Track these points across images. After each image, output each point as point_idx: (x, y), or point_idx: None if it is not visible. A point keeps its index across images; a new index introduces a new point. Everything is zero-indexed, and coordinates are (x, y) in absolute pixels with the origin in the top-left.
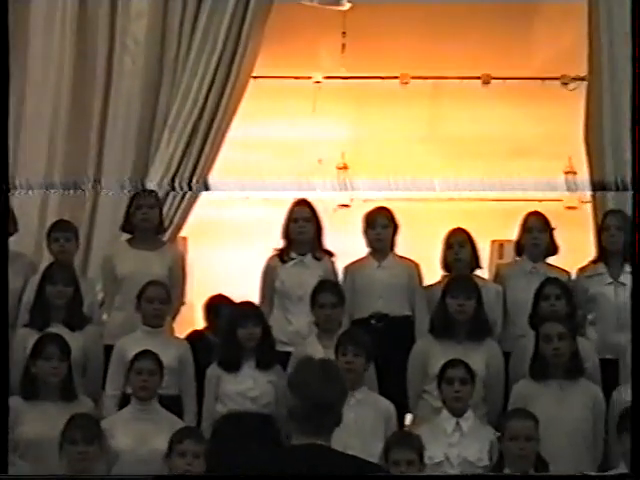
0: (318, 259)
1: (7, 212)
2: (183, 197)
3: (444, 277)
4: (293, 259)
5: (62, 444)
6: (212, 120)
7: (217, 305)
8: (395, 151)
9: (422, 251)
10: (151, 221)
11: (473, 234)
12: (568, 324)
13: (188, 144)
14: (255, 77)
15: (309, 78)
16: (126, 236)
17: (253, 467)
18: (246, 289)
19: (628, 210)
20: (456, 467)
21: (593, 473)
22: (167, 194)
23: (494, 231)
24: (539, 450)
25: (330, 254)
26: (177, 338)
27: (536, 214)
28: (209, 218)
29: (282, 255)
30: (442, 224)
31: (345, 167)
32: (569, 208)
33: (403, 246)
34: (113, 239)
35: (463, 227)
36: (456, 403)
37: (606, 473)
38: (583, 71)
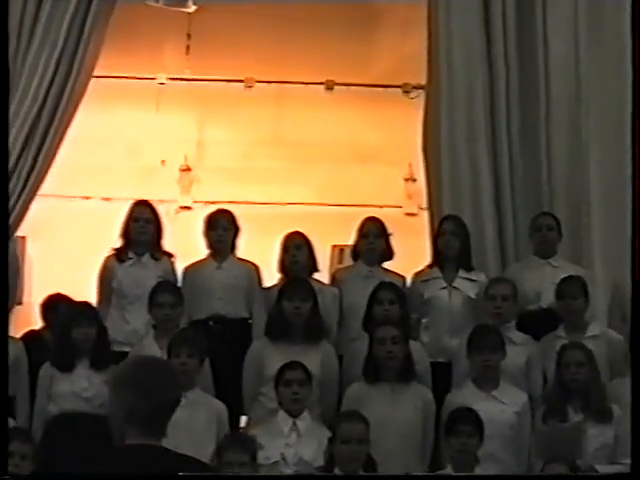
0: (157, 259)
1: (7, 213)
2: (20, 196)
3: (281, 280)
4: (131, 259)
5: None
6: (51, 118)
7: (54, 304)
8: (238, 154)
9: (262, 254)
10: None
11: (312, 238)
12: (401, 328)
13: (26, 142)
14: (98, 77)
15: (153, 79)
16: None
17: (88, 468)
18: (87, 288)
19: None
20: (292, 467)
21: (593, 473)
22: None
23: (336, 235)
24: (369, 451)
25: (169, 255)
26: (11, 337)
27: (373, 220)
28: (50, 217)
29: (119, 254)
30: (283, 227)
31: (188, 169)
32: (409, 215)
33: (244, 248)
34: None
35: (300, 230)
36: (294, 405)
37: (600, 474)
38: (424, 80)
